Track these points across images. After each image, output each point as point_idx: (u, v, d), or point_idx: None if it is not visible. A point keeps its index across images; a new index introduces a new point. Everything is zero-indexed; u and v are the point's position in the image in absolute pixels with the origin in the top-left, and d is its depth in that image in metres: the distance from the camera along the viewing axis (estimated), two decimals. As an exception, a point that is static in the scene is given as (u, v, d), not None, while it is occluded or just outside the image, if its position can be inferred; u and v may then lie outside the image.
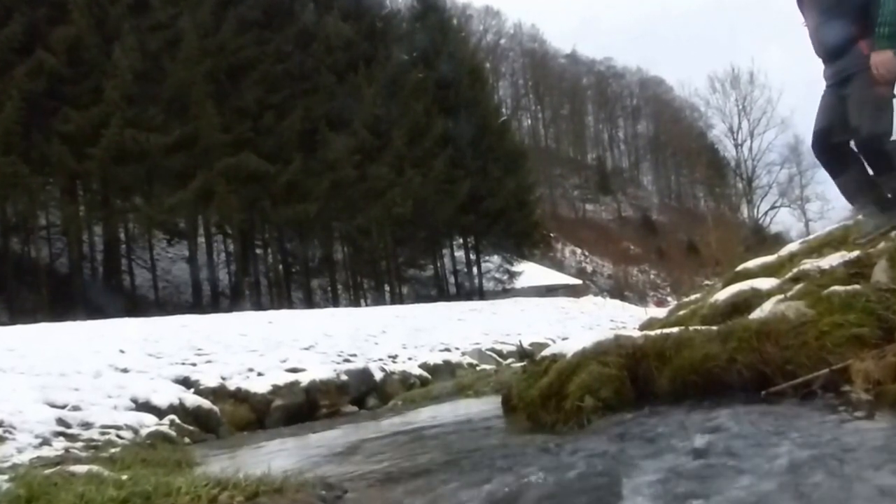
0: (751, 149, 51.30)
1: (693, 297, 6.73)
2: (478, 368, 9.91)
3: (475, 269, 37.95)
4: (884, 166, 3.63)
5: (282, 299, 28.62)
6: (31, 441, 4.81)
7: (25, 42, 22.42)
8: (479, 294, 35.18)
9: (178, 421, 6.17)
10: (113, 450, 4.70)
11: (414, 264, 36.44)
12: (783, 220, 55.65)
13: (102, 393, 6.31)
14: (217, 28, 26.91)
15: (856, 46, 3.57)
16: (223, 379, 7.67)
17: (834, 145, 3.76)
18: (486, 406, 4.88)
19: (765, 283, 4.12)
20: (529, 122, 78.12)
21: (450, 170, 32.72)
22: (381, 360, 9.72)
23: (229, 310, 21.49)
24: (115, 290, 24.75)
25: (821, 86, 3.89)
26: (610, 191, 76.04)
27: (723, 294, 4.35)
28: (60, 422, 5.31)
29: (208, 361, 8.55)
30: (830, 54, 3.72)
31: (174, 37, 25.27)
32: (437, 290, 35.46)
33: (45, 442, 4.87)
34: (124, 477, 2.91)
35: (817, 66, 3.89)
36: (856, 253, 3.63)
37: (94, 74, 23.34)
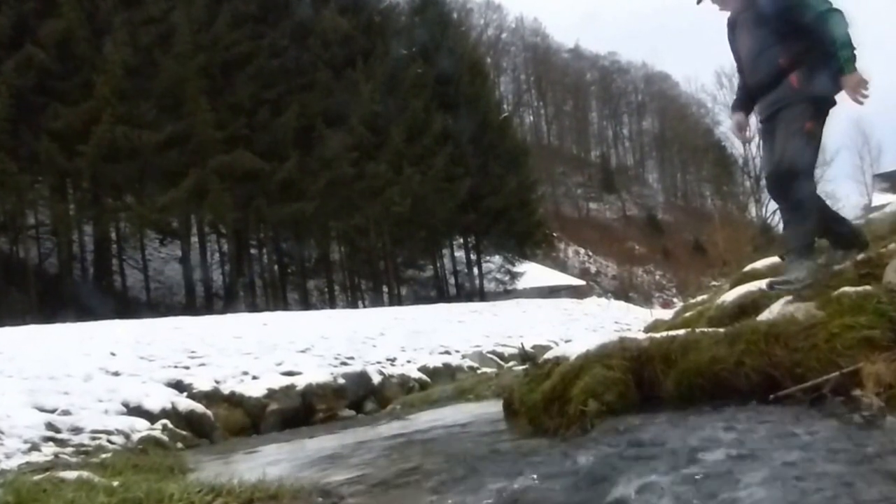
0: (759, 146, 51.28)
1: (700, 298, 6.74)
2: (478, 371, 9.91)
3: (476, 270, 37.95)
4: (794, 206, 3.57)
5: (277, 301, 28.61)
6: (19, 446, 4.81)
7: (14, 36, 22.41)
8: (480, 295, 35.17)
9: (170, 426, 6.17)
10: (104, 455, 4.70)
11: (413, 265, 36.44)
12: (792, 219, 55.66)
13: (93, 397, 6.31)
14: (211, 22, 26.90)
15: (786, 80, 3.54)
16: (217, 382, 7.67)
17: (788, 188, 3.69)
18: (487, 410, 4.88)
19: (773, 284, 4.12)
20: (531, 118, 78.15)
21: (450, 167, 32.72)
22: (379, 363, 9.72)
23: (223, 311, 21.50)
24: (105, 291, 24.74)
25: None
26: (614, 189, 76.01)
27: (730, 295, 4.36)
28: (50, 426, 5.31)
29: (202, 364, 8.55)
30: (762, 87, 3.69)
31: (167, 31, 25.27)
32: (437, 292, 35.47)
33: (34, 447, 4.88)
34: (115, 483, 2.91)
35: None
36: (866, 253, 3.64)
37: (84, 69, 23.33)
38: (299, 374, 8.26)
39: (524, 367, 5.33)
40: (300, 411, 7.61)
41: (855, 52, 3.38)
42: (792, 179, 3.48)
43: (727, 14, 3.87)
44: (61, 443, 5.12)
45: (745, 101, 3.88)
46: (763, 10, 3.58)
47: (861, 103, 3.42)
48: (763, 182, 50.54)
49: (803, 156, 3.49)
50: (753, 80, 3.74)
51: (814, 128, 3.53)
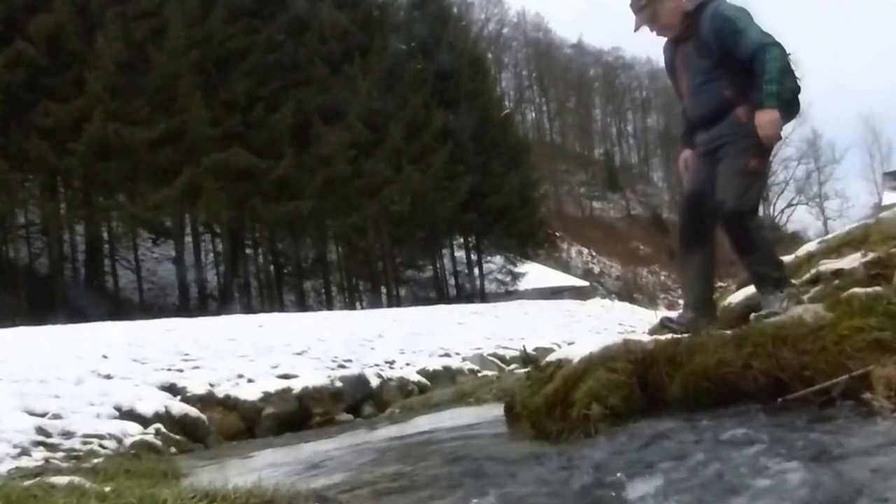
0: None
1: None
2: (479, 375, 9.92)
3: (476, 271, 37.96)
4: (746, 247, 3.51)
5: (273, 302, 28.63)
6: (9, 451, 4.81)
7: (3, 31, 22.43)
8: (481, 296, 35.19)
9: (163, 430, 6.17)
10: (95, 460, 4.70)
11: (412, 265, 36.45)
12: (800, 218, 55.92)
13: (84, 400, 6.30)
14: (205, 16, 26.91)
15: (732, 113, 3.47)
16: (211, 386, 7.67)
17: (700, 217, 3.64)
18: (487, 414, 4.89)
19: (781, 285, 4.11)
20: (533, 115, 78.12)
21: (450, 165, 32.73)
22: (377, 365, 9.71)
23: (218, 313, 21.50)
24: (97, 292, 24.76)
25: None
26: (618, 187, 76.02)
27: (737, 296, 4.36)
28: (40, 431, 5.31)
29: (196, 367, 8.55)
30: (705, 121, 3.60)
31: (160, 25, 25.27)
32: (437, 293, 35.48)
33: (24, 452, 4.88)
34: (107, 489, 2.91)
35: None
36: (877, 253, 3.64)
37: (75, 65, 23.34)
38: (296, 377, 8.26)
39: (526, 369, 5.33)
40: (296, 415, 7.61)
41: (780, 91, 3.31)
42: (738, 220, 3.42)
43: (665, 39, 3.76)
44: (52, 447, 5.11)
45: (691, 136, 3.80)
46: (706, 40, 3.48)
47: (766, 143, 3.36)
48: (771, 180, 50.52)
49: (748, 195, 3.44)
50: (696, 112, 3.64)
51: (759, 166, 3.47)
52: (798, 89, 3.52)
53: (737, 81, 3.45)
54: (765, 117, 3.32)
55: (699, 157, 3.72)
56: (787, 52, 3.40)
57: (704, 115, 3.59)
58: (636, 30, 3.68)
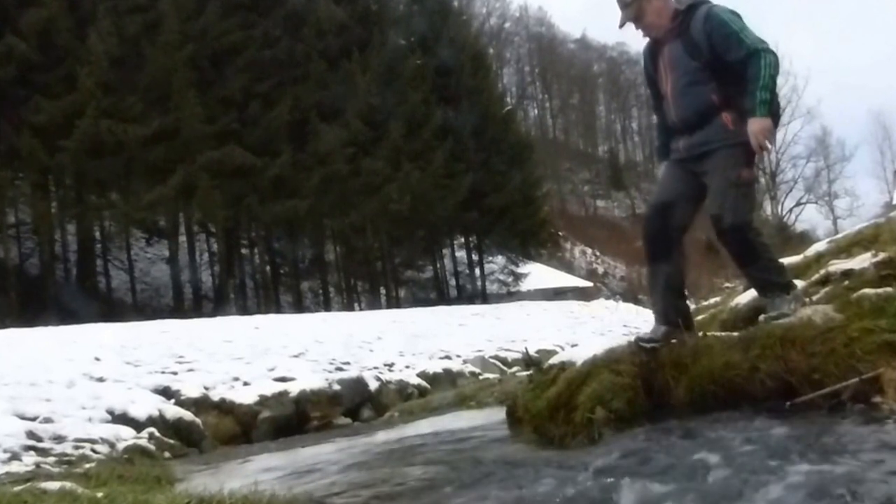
0: (774, 141, 51.25)
1: (712, 300, 6.75)
2: (480, 377, 9.92)
3: (477, 271, 37.94)
4: (749, 258, 3.47)
5: (269, 303, 28.63)
6: (-1, 456, 4.82)
7: (-7, 26, 22.44)
8: (482, 297, 35.18)
9: (157, 434, 6.19)
10: (87, 465, 4.71)
11: (412, 265, 36.42)
12: (809, 217, 55.73)
13: (76, 404, 6.31)
14: (200, 11, 26.91)
15: (717, 119, 3.44)
16: (206, 389, 7.68)
17: (667, 226, 3.59)
18: (489, 418, 4.89)
19: (789, 286, 4.11)
20: (536, 111, 78.12)
21: (450, 163, 32.70)
22: (376, 368, 9.72)
23: (213, 314, 21.51)
24: (89, 293, 24.75)
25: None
26: (623, 186, 75.98)
27: (744, 297, 4.37)
28: (31, 435, 5.32)
29: (190, 370, 8.56)
30: (689, 124, 3.54)
31: (153, 20, 25.27)
32: (437, 293, 35.47)
33: (15, 457, 4.88)
34: (99, 494, 2.91)
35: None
36: (887, 253, 3.64)
37: (67, 61, 23.33)
38: (292, 379, 8.27)
39: (528, 372, 5.33)
40: (293, 419, 7.63)
41: (770, 100, 3.30)
42: (738, 233, 3.40)
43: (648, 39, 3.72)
44: (43, 452, 5.12)
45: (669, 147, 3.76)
46: (697, 41, 3.44)
47: (757, 151, 3.34)
48: (780, 178, 50.53)
49: (744, 207, 3.43)
50: (679, 114, 3.57)
51: (750, 175, 3.47)
52: (778, 104, 3.52)
53: (723, 87, 3.42)
54: (757, 125, 3.30)
55: (674, 165, 3.68)
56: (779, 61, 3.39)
57: (688, 117, 3.54)
58: (621, 26, 3.67)
